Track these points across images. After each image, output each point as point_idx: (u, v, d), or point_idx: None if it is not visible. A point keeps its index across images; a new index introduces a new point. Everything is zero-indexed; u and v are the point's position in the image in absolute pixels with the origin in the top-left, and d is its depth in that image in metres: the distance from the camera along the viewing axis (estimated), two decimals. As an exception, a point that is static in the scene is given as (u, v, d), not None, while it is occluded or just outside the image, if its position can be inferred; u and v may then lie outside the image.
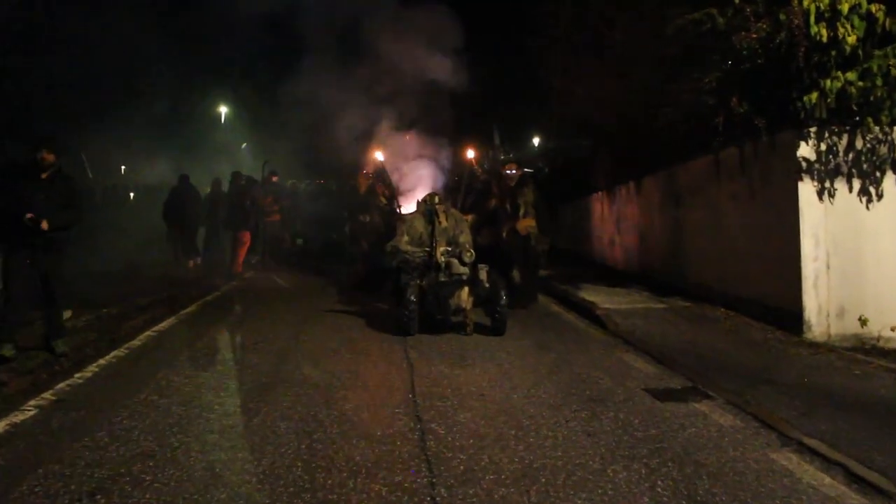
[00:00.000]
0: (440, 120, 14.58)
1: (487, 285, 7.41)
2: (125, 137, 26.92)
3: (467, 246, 7.87)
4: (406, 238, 8.16)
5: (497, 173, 10.46)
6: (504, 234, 9.20)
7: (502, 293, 7.29)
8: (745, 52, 7.12)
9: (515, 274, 8.86)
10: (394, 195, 9.77)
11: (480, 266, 7.62)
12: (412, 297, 7.20)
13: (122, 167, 30.40)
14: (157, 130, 25.43)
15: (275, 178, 15.91)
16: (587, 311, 9.19)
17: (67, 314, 7.96)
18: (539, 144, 31.30)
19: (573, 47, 12.27)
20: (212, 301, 10.26)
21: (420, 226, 8.27)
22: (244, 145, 27.48)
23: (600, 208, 14.45)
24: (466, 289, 7.32)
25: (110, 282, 11.43)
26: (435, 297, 7.29)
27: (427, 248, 7.98)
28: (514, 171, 9.26)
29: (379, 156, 9.25)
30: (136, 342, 7.30)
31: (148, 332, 7.78)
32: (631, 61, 10.45)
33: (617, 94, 11.34)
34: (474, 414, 5.04)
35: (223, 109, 29.59)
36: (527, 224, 9.10)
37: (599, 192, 14.34)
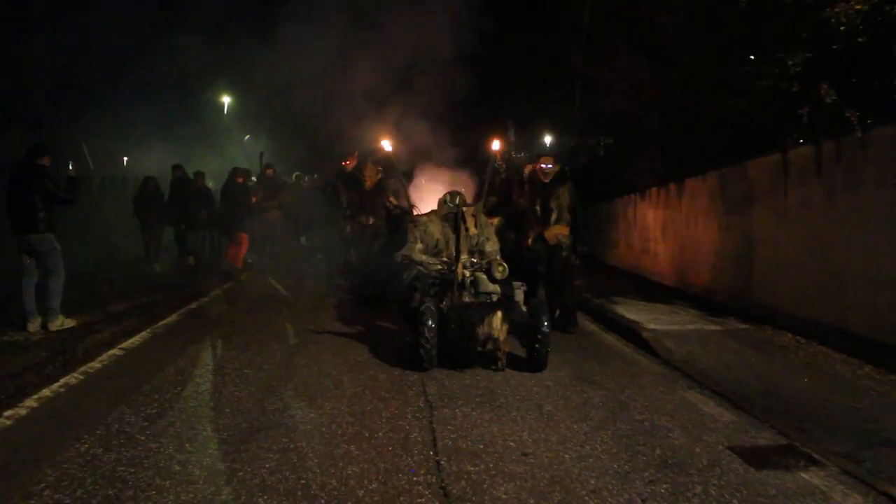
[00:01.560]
0: (452, 108, 13.40)
1: (525, 308, 6.06)
2: (128, 127, 25.96)
3: (497, 257, 6.49)
4: (419, 246, 6.85)
5: (516, 168, 9.19)
6: (530, 242, 7.87)
7: (544, 319, 5.85)
8: (842, 28, 5.82)
9: (541, 293, 7.63)
10: (405, 192, 8.41)
11: (516, 284, 6.27)
12: (429, 324, 5.67)
13: (125, 158, 29.45)
14: (160, 121, 24.38)
15: (269, 172, 14.53)
16: (631, 333, 7.91)
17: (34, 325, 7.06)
18: (552, 143, 29.98)
19: (608, 33, 10.98)
20: (196, 309, 8.99)
21: (436, 231, 6.99)
22: (247, 137, 26.25)
23: (631, 212, 13.13)
24: (499, 313, 5.69)
25: (89, 281, 10.20)
26: (459, 324, 5.71)
27: (446, 260, 6.68)
28: (549, 167, 7.91)
29: (386, 145, 7.88)
30: (95, 364, 6.05)
31: (113, 351, 6.53)
32: (681, 45, 9.13)
33: (658, 83, 10.05)
34: (518, 487, 3.77)
35: (226, 99, 28.39)
36: (557, 232, 7.78)
37: (631, 195, 13.01)
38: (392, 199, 9.77)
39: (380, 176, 10.11)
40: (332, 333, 7.50)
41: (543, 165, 7.87)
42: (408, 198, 8.07)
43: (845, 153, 6.78)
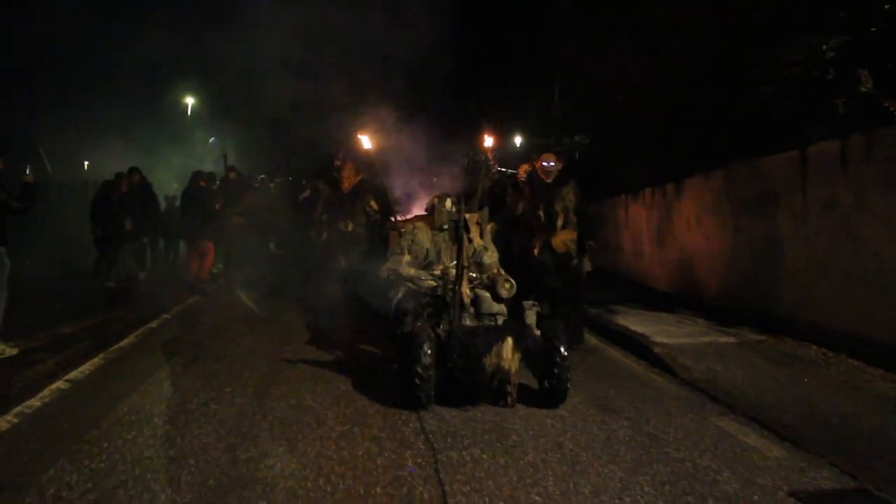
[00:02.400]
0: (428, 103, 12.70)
1: (538, 332, 5.10)
2: (89, 129, 24.84)
3: (501, 271, 5.58)
4: (407, 258, 5.97)
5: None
6: (535, 251, 7.07)
7: (563, 345, 4.91)
8: (887, 6, 5.18)
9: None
10: (386, 196, 7.50)
11: (527, 303, 5.37)
12: (426, 354, 4.72)
13: (86, 162, 28.29)
14: (122, 124, 23.29)
15: (233, 175, 13.54)
16: (639, 347, 7.21)
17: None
18: (522, 144, 29.21)
19: (601, 20, 10.30)
20: (156, 329, 8.07)
21: (425, 240, 6.13)
22: (212, 139, 25.15)
23: (622, 214, 12.46)
24: (510, 340, 4.70)
25: (39, 295, 9.24)
26: (462, 354, 4.75)
27: (439, 274, 5.79)
28: (552, 165, 7.14)
29: (365, 142, 7.03)
30: (34, 402, 5.14)
31: (57, 384, 5.62)
32: (684, 34, 8.47)
33: (657, 75, 9.39)
34: (559, 565, 3.01)
35: (190, 100, 27.21)
36: (565, 238, 7.03)
37: (621, 196, 12.34)
38: (373, 203, 8.92)
39: (360, 177, 9.16)
40: (309, 357, 6.65)
41: (545, 164, 7.08)
42: (390, 202, 7.18)
43: (877, 148, 6.15)
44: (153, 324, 8.28)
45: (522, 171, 7.79)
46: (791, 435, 4.72)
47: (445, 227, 6.06)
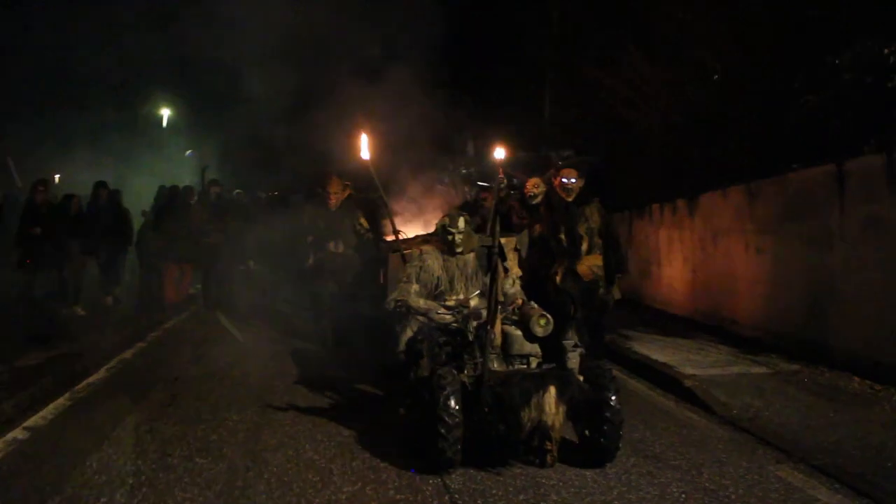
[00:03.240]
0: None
1: (582, 377, 4.26)
2: (60, 143, 23.99)
3: (533, 304, 4.73)
4: (415, 287, 5.11)
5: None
6: (557, 279, 6.38)
7: (613, 397, 4.12)
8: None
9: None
10: (388, 213, 6.70)
11: (567, 343, 4.50)
12: (452, 406, 3.90)
13: (57, 175, 27.31)
14: (95, 136, 22.40)
15: (215, 190, 12.72)
16: (666, 379, 6.60)
17: None
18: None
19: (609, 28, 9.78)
20: (130, 361, 7.30)
21: (436, 265, 5.21)
22: (189, 152, 24.30)
23: (624, 232, 11.87)
24: (553, 390, 3.90)
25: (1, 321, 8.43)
26: (495, 406, 3.96)
27: (453, 304, 5.03)
28: (573, 181, 6.51)
29: (364, 151, 6.27)
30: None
31: (14, 433, 4.84)
32: (704, 42, 7.96)
33: (671, 86, 8.86)
34: None
35: (165, 112, 26.37)
36: (591, 264, 6.40)
37: (624, 213, 11.76)
38: (363, 220, 8.16)
39: (347, 192, 8.27)
40: (303, 396, 5.93)
41: (565, 180, 6.41)
42: (385, 219, 6.43)
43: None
44: (126, 354, 7.50)
45: (531, 185, 7.15)
46: (866, 488, 4.12)
47: (460, 250, 5.22)
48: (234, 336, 8.79)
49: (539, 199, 6.98)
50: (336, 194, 8.05)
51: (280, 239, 11.96)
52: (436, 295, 5.13)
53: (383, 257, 7.56)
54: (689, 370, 6.71)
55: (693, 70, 8.51)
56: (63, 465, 4.26)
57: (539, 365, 4.43)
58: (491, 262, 4.12)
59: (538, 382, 3.98)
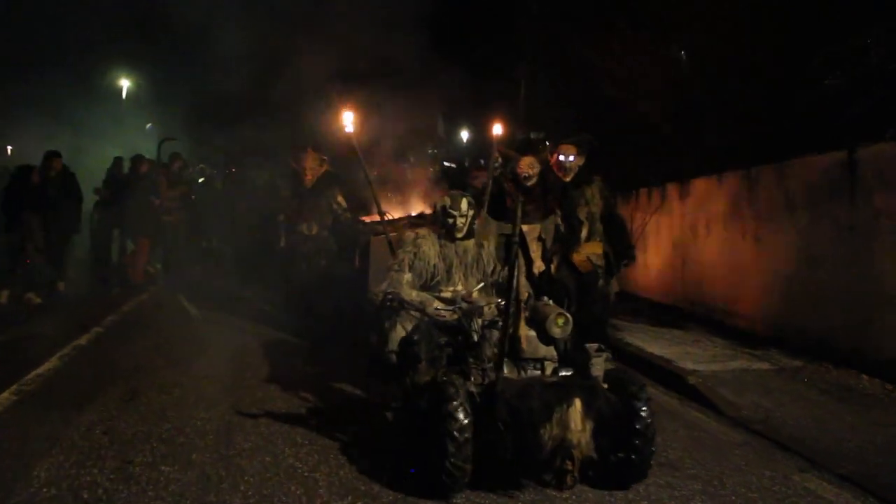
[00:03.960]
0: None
1: (606, 385, 3.65)
2: (12, 113, 22.90)
3: (547, 300, 4.12)
4: (408, 276, 4.48)
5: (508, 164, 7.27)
6: (552, 269, 5.75)
7: (645, 409, 3.55)
8: None
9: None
10: (372, 192, 5.81)
11: (591, 347, 3.87)
12: (461, 424, 3.29)
13: (9, 147, 26.09)
14: (51, 107, 21.22)
15: (177, 164, 11.97)
16: (666, 375, 6.23)
17: None
18: (469, 139, 27.80)
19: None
20: (85, 348, 6.66)
21: (432, 252, 4.55)
22: (149, 125, 23.25)
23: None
24: (579, 403, 3.33)
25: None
26: (511, 422, 3.31)
27: (450, 296, 4.42)
28: (571, 159, 5.83)
29: (347, 123, 5.46)
30: (-89, 466, 3.79)
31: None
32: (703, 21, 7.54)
33: (667, 67, 8.42)
34: None
35: (125, 83, 25.18)
36: (590, 252, 5.83)
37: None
38: (340, 198, 7.56)
39: (324, 168, 7.60)
40: (278, 392, 5.38)
41: (562, 157, 5.77)
42: (377, 200, 5.72)
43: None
44: (81, 340, 6.86)
45: (525, 165, 6.61)
46: (900, 502, 3.79)
47: (460, 235, 4.60)
48: (199, 320, 8.18)
49: (534, 180, 6.46)
50: (312, 169, 7.41)
51: (245, 216, 11.38)
52: (432, 285, 4.53)
53: (362, 240, 7.04)
54: (689, 365, 6.36)
55: (687, 49, 8.07)
56: (4, 475, 3.68)
57: (555, 371, 3.84)
58: (510, 252, 3.54)
59: (561, 394, 3.39)
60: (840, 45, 5.70)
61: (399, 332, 4.19)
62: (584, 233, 5.87)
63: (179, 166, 12.05)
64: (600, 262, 5.91)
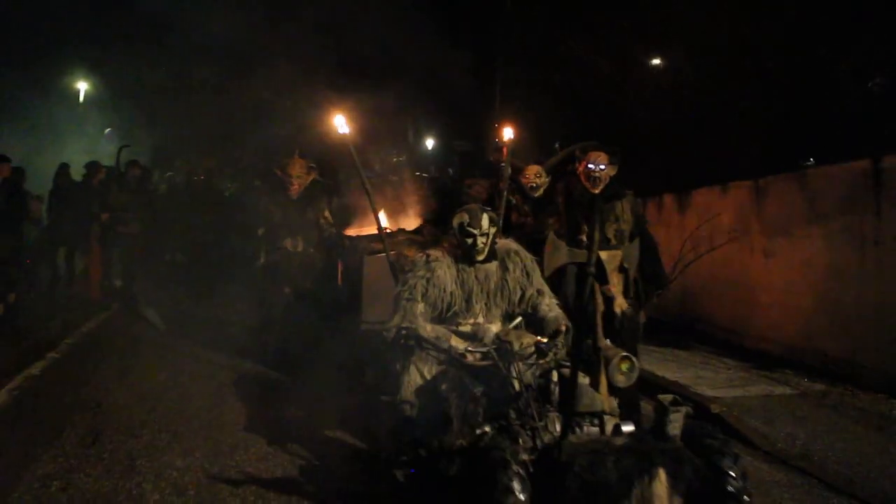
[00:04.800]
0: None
1: (680, 442, 2.89)
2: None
3: (604, 339, 3.65)
4: (421, 307, 3.66)
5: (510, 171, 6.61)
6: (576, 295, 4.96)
7: (733, 471, 2.75)
8: None
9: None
10: (371, 205, 4.81)
11: (664, 397, 2.99)
12: (518, 502, 2.55)
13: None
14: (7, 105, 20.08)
15: (134, 172, 11.07)
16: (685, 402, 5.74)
17: None
18: (434, 147, 27.13)
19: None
20: (39, 378, 5.91)
21: (447, 277, 3.72)
22: (108, 130, 22.19)
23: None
24: (663, 474, 2.64)
25: None
26: (581, 498, 2.60)
27: (469, 330, 3.65)
28: (602, 168, 5.06)
29: (340, 126, 4.63)
30: None
31: None
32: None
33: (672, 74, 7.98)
34: None
35: (82, 85, 24.08)
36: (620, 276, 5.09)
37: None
38: (328, 213, 6.80)
39: (312, 177, 6.73)
40: (262, 431, 4.75)
41: (592, 166, 5.05)
42: (376, 215, 4.76)
43: None
44: (34, 369, 6.09)
45: (532, 174, 6.08)
46: None
47: (481, 258, 3.76)
48: (166, 344, 7.42)
49: (541, 191, 5.92)
50: (299, 178, 6.56)
51: (210, 229, 10.53)
52: (448, 316, 3.74)
53: (351, 259, 6.29)
54: (706, 390, 5.91)
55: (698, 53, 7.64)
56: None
57: (617, 428, 3.09)
58: (584, 286, 2.87)
59: (641, 463, 2.69)
60: (864, 50, 5.30)
61: (414, 377, 3.46)
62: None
63: (136, 174, 11.20)
64: (620, 286, 5.06)
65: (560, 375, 3.23)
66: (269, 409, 5.27)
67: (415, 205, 8.04)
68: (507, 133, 5.27)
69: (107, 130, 22.88)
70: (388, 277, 4.51)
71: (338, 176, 8.01)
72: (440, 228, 5.62)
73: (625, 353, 3.27)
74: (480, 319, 3.72)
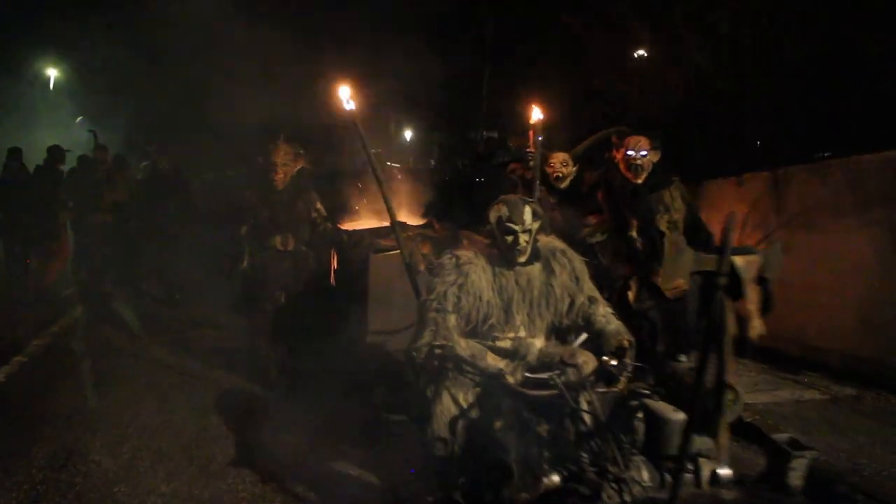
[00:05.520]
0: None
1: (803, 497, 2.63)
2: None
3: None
4: (453, 318, 3.04)
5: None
6: (630, 297, 4.64)
7: None
8: None
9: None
10: (383, 195, 4.20)
11: (779, 438, 2.82)
12: None
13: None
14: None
15: (102, 157, 10.31)
16: (710, 409, 5.34)
17: None
18: (413, 138, 26.40)
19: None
20: (3, 386, 5.34)
21: (484, 282, 3.13)
22: (79, 119, 21.37)
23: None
24: None
25: None
26: None
27: (509, 346, 3.07)
28: (645, 155, 4.61)
29: (346, 101, 4.06)
30: None
31: None
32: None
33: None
34: None
35: (52, 72, 23.17)
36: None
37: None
38: (320, 205, 5.93)
39: (300, 164, 5.91)
40: (258, 441, 4.25)
41: (631, 152, 4.56)
42: (390, 206, 4.16)
43: None
44: (-1, 376, 5.52)
45: (558, 163, 5.43)
46: None
47: (523, 259, 3.17)
48: (138, 360, 6.46)
49: (567, 182, 5.40)
50: (285, 166, 5.73)
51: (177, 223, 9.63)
52: (486, 329, 3.12)
53: (353, 256, 5.66)
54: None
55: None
56: None
57: (714, 475, 2.53)
58: (713, 301, 2.32)
59: None
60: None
61: (447, 406, 2.86)
62: (667, 248, 4.50)
63: (104, 159, 10.48)
64: (688, 285, 4.64)
65: (645, 408, 2.63)
66: (261, 426, 4.68)
67: (406, 197, 7.45)
68: (536, 114, 4.73)
69: (79, 119, 22.07)
70: (397, 279, 4.00)
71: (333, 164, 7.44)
72: (448, 224, 5.12)
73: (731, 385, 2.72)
74: (522, 333, 3.14)
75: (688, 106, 7.88)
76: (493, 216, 3.15)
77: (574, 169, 5.45)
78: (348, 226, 6.34)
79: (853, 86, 5.98)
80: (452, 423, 2.81)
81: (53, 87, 23.18)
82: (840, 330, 6.24)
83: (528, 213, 3.12)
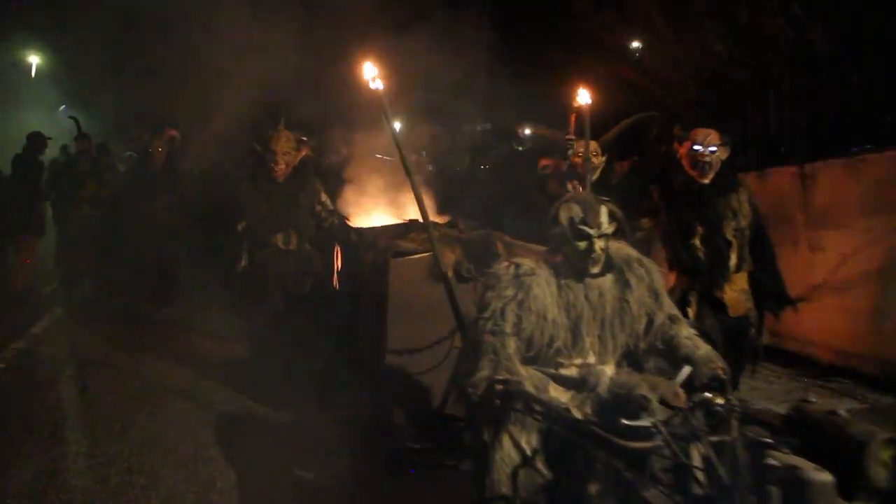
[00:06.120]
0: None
1: None
2: None
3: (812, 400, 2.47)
4: (513, 343, 2.50)
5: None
6: (690, 312, 4.02)
7: None
8: None
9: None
10: (413, 188, 3.74)
11: None
12: None
13: None
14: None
15: (83, 146, 9.84)
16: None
17: None
18: (402, 130, 25.88)
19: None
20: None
21: (549, 298, 2.60)
22: (62, 107, 20.78)
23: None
24: None
25: None
26: None
27: (584, 378, 2.46)
28: (713, 151, 4.00)
29: (372, 77, 3.59)
30: None
31: None
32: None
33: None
34: None
35: (34, 59, 22.52)
36: (742, 287, 4.13)
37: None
38: (325, 197, 5.48)
39: (303, 153, 5.37)
40: (260, 465, 3.86)
41: (698, 147, 3.96)
42: (420, 201, 3.68)
43: None
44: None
45: (593, 152, 4.81)
46: None
47: (596, 270, 2.67)
48: (130, 355, 6.14)
49: (596, 173, 4.96)
50: (286, 155, 5.21)
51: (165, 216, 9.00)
52: (552, 355, 2.60)
53: (367, 258, 5.10)
54: (767, 405, 5.19)
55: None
56: None
57: None
58: None
59: None
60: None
61: (509, 454, 2.32)
62: (733, 259, 4.10)
63: (85, 149, 9.97)
64: (750, 302, 4.19)
65: (781, 466, 1.97)
66: (264, 444, 4.22)
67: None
68: (583, 97, 4.27)
69: (62, 107, 21.51)
70: (422, 286, 3.56)
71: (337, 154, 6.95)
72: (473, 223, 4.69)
73: (888, 435, 2.15)
74: (591, 358, 2.62)
75: (706, 97, 7.53)
76: (563, 217, 2.62)
77: (604, 159, 5.05)
78: (357, 222, 5.86)
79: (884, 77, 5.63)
80: (515, 473, 2.30)
81: (35, 74, 22.52)
82: (872, 334, 5.92)
83: (604, 214, 2.62)
